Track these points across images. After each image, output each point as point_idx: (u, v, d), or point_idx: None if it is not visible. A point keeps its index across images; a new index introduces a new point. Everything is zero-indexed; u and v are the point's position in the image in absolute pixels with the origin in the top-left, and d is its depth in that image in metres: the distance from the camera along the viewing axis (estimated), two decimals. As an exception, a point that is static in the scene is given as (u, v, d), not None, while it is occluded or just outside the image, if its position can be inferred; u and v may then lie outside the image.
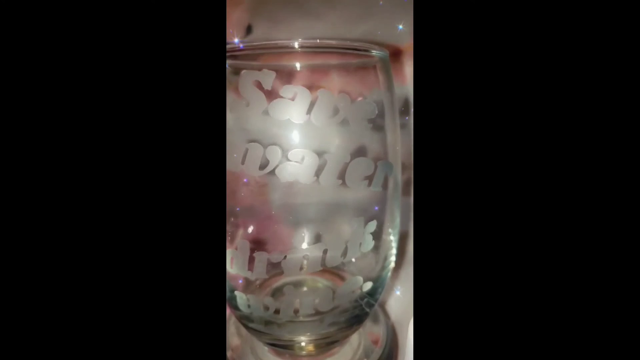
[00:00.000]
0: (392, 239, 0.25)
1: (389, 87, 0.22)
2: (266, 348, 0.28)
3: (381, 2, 0.35)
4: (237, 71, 0.19)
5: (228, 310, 0.28)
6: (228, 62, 0.20)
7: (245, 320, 0.25)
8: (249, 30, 0.41)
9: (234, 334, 0.30)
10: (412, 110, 0.31)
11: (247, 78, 0.19)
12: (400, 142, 0.24)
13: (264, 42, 0.20)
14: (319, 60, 0.21)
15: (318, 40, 0.20)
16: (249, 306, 0.23)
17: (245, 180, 0.21)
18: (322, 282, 0.29)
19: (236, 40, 0.41)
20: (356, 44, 0.21)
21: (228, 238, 0.23)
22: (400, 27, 0.31)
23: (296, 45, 0.20)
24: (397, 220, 0.25)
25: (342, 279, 0.26)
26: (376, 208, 0.22)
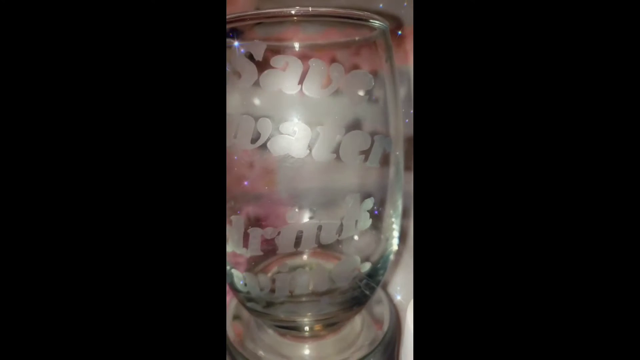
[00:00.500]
0: (394, 220, 0.24)
1: (389, 58, 0.21)
2: (270, 331, 0.28)
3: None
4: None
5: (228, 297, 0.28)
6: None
7: (245, 300, 0.25)
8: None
9: (236, 317, 0.30)
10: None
11: (238, 48, 0.18)
12: (402, 119, 0.23)
13: (257, 12, 0.20)
14: (313, 31, 0.21)
15: (310, 9, 0.19)
16: (245, 284, 0.23)
17: (236, 157, 0.20)
18: (326, 264, 0.28)
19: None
20: (355, 13, 0.20)
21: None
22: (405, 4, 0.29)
23: (293, 12, 0.19)
24: (400, 200, 0.24)
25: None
26: (373, 185, 0.22)
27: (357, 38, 0.22)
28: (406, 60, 0.30)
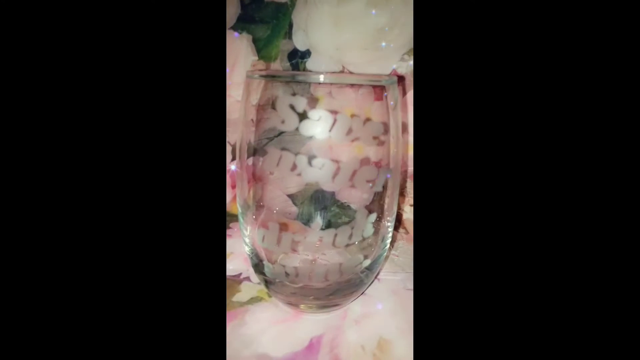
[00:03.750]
0: (389, 225, 0.31)
1: (396, 106, 0.28)
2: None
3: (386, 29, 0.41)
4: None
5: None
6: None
7: (267, 282, 0.32)
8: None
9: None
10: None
11: (284, 101, 0.25)
12: (401, 152, 0.30)
13: (298, 72, 0.26)
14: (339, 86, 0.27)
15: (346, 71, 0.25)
16: (272, 273, 0.30)
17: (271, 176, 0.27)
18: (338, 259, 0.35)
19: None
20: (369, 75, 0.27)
21: (256, 219, 0.30)
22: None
23: (321, 77, 0.26)
24: (394, 211, 0.31)
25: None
26: (376, 203, 0.29)
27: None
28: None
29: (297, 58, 0.47)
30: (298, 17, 0.46)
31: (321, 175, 0.26)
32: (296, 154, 0.25)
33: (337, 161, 0.26)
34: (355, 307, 0.34)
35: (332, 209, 0.34)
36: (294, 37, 0.47)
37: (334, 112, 0.25)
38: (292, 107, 0.25)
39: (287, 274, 0.30)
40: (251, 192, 0.32)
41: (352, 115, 0.25)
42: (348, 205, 0.29)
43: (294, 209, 0.33)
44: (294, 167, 0.26)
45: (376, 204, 0.29)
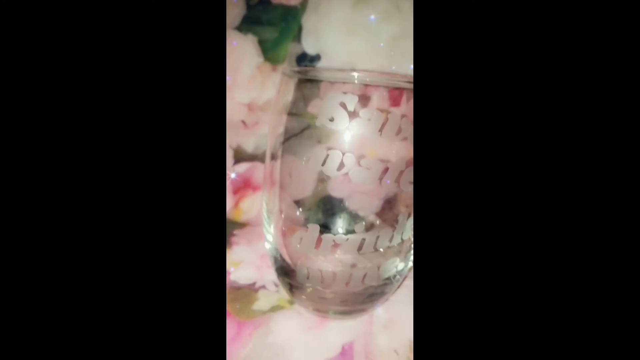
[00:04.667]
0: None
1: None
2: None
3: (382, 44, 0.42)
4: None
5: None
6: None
7: (292, 287, 0.31)
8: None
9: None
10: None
11: (335, 99, 0.24)
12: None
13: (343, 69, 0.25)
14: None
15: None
16: (307, 278, 0.29)
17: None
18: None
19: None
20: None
21: (297, 222, 0.28)
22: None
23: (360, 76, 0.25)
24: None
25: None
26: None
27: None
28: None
29: (306, 61, 0.47)
30: (308, 21, 0.46)
31: (369, 176, 0.25)
32: (344, 152, 0.25)
33: (385, 161, 0.25)
34: (379, 312, 0.34)
35: (342, 215, 0.34)
36: (303, 41, 0.46)
37: (384, 111, 0.25)
38: (344, 105, 0.24)
39: (322, 279, 0.28)
40: (268, 196, 0.31)
41: (403, 116, 0.25)
42: (356, 213, 0.28)
43: (300, 215, 0.32)
44: (341, 165, 0.25)
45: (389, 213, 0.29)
